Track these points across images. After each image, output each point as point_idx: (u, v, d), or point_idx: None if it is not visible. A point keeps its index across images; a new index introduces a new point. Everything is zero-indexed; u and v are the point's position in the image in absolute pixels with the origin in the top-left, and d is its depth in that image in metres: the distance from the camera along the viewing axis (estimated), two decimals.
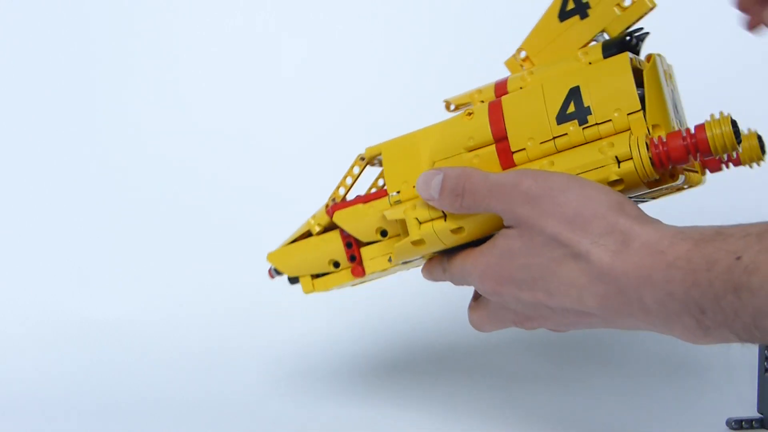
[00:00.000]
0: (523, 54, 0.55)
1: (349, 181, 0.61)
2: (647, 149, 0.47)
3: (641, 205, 0.51)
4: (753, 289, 0.38)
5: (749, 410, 0.67)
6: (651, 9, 0.51)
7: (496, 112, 0.52)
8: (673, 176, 0.49)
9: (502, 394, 0.75)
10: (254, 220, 0.90)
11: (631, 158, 0.47)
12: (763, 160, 0.53)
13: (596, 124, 0.49)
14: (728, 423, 0.64)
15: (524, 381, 0.78)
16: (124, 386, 0.78)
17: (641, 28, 0.53)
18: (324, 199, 0.62)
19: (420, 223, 0.53)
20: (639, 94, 0.49)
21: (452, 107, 0.57)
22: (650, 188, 0.50)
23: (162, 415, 0.72)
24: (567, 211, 0.45)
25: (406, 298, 0.85)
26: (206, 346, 0.83)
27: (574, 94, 0.51)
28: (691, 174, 0.52)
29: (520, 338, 0.81)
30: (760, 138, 0.53)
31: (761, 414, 0.65)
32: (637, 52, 0.52)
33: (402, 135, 0.57)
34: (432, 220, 0.52)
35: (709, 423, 0.66)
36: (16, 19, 0.95)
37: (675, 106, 0.52)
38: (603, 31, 0.53)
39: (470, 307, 0.54)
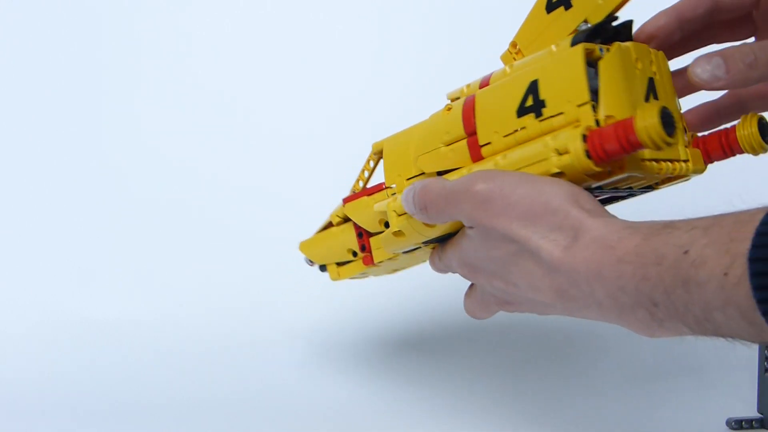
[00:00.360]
0: (517, 47, 0.56)
1: (366, 174, 0.63)
2: (584, 141, 0.46)
3: (646, 196, 0.52)
4: (701, 282, 0.38)
5: (749, 410, 0.67)
6: None
7: (469, 106, 0.54)
8: (621, 168, 0.48)
9: (500, 394, 0.75)
10: (254, 219, 0.90)
11: (569, 151, 0.47)
12: (765, 147, 0.52)
13: (550, 116, 0.49)
14: (728, 423, 0.64)
15: (525, 380, 0.78)
16: (124, 386, 0.77)
17: (616, 17, 0.52)
18: (326, 197, 0.63)
19: (398, 215, 0.55)
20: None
21: (448, 102, 0.58)
22: (601, 180, 0.49)
23: (162, 415, 0.72)
24: (518, 209, 0.46)
25: (404, 292, 0.85)
26: (206, 346, 0.82)
27: (533, 87, 0.51)
28: (680, 164, 0.51)
29: (521, 339, 0.82)
30: (762, 123, 0.52)
31: (761, 414, 0.65)
32: (622, 40, 0.52)
33: (402, 130, 0.59)
34: (406, 213, 0.55)
35: (709, 423, 0.66)
36: (16, 20, 0.95)
37: (653, 94, 0.51)
38: (585, 20, 0.52)
39: (465, 295, 0.57)
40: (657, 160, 0.50)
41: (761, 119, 0.52)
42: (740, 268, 0.36)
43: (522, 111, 0.51)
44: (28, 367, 0.81)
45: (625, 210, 0.55)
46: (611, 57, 0.49)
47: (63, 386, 0.77)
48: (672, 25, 0.53)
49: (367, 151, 0.61)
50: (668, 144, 0.44)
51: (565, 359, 0.80)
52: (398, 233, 0.56)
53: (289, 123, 0.93)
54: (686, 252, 0.39)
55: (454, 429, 0.67)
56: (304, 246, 0.67)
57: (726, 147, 0.53)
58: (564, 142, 0.47)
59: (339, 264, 0.66)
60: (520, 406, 0.71)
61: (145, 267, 0.89)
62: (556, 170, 0.48)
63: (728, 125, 0.54)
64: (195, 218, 0.91)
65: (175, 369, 0.79)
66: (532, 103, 0.51)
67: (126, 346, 0.83)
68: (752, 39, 0.56)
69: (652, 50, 0.52)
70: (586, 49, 0.49)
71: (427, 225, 0.54)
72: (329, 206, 0.62)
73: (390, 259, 0.61)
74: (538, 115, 0.50)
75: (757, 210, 0.38)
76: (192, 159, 0.93)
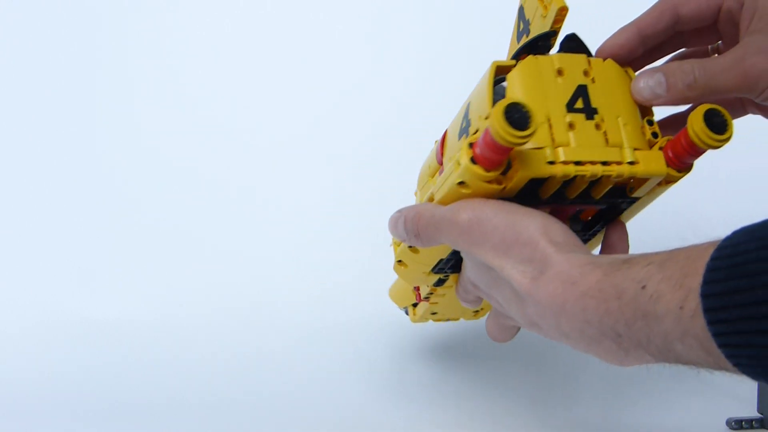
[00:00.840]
0: None
1: None
2: (470, 148, 0.48)
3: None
4: (659, 315, 0.40)
5: (749, 410, 0.67)
6: (563, 10, 0.50)
7: (442, 139, 0.57)
8: (515, 171, 0.49)
9: (501, 393, 0.75)
10: (255, 219, 0.90)
11: (460, 161, 0.49)
12: (720, 141, 0.50)
13: (473, 134, 0.52)
14: (728, 423, 0.64)
15: (525, 379, 0.78)
16: (124, 386, 0.78)
17: (554, 32, 0.52)
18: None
19: (397, 244, 0.60)
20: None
21: None
22: (508, 187, 0.50)
23: (162, 416, 0.72)
24: (493, 239, 0.48)
25: None
26: (206, 346, 0.82)
27: (467, 109, 0.54)
28: (618, 166, 0.51)
29: (520, 340, 0.82)
30: (712, 116, 0.50)
31: (761, 414, 0.65)
32: (573, 49, 0.53)
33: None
34: (397, 242, 0.59)
35: (709, 423, 0.66)
36: (15, 20, 0.95)
37: (583, 101, 0.51)
38: None
39: (486, 318, 0.59)
40: (580, 162, 0.50)
41: (708, 111, 0.50)
42: (694, 302, 0.38)
43: (461, 133, 0.54)
44: (28, 367, 0.81)
45: None
46: (517, 70, 0.51)
47: (63, 386, 0.78)
48: (633, 41, 0.53)
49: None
50: (520, 138, 0.45)
51: (565, 359, 0.81)
52: (400, 262, 0.59)
53: (289, 123, 0.93)
54: (644, 287, 0.41)
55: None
56: (390, 291, 0.71)
57: (687, 147, 0.51)
58: (459, 153, 0.49)
59: (414, 305, 0.69)
60: (520, 404, 0.72)
61: (145, 267, 0.89)
62: (459, 180, 0.50)
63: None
64: (195, 218, 0.90)
65: (175, 369, 0.79)
66: (465, 125, 0.53)
67: (126, 346, 0.83)
68: (720, 42, 0.56)
69: (593, 59, 0.53)
70: (503, 65, 0.52)
71: (411, 251, 0.57)
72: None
73: (437, 294, 0.64)
74: (466, 133, 0.53)
75: (709, 244, 0.39)
76: (192, 159, 0.92)
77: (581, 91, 0.51)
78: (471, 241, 0.50)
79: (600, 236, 0.58)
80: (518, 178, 0.49)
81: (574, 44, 0.53)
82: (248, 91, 0.94)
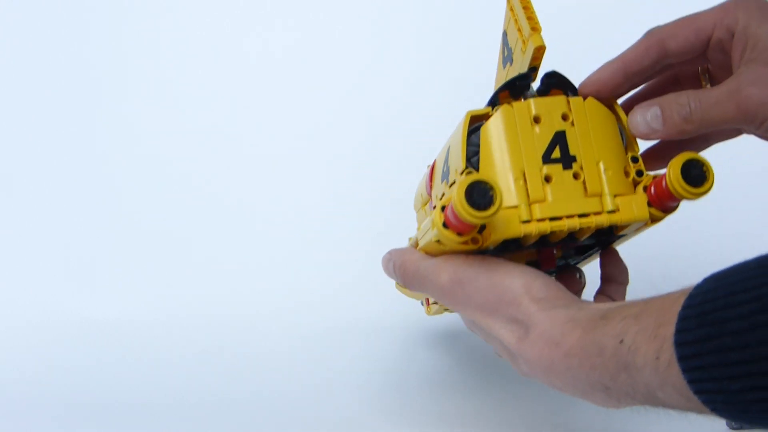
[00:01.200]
0: None
1: None
2: (442, 212, 0.48)
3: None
4: (638, 367, 0.41)
5: None
6: (540, 49, 0.49)
7: (431, 170, 0.57)
8: (489, 235, 0.49)
9: (502, 393, 0.75)
10: (255, 220, 0.90)
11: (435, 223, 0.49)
12: (697, 194, 0.48)
13: (452, 183, 0.51)
14: (728, 423, 0.64)
15: (524, 388, 0.77)
16: (124, 386, 0.77)
17: (530, 74, 0.51)
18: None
19: None
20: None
21: None
22: (485, 245, 0.49)
23: (162, 416, 0.72)
24: (477, 300, 0.50)
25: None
26: (206, 346, 0.82)
27: (447, 153, 0.53)
28: (596, 216, 0.49)
29: None
30: (691, 167, 0.48)
31: None
32: (555, 92, 0.52)
33: None
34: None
35: (709, 423, 0.66)
36: (14, 19, 0.95)
37: (561, 149, 0.50)
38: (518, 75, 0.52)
39: None
40: (556, 219, 0.49)
41: (687, 161, 0.49)
42: (668, 351, 0.39)
43: (442, 176, 0.54)
44: (27, 367, 0.81)
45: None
46: (492, 122, 0.50)
47: (63, 386, 0.78)
48: (617, 78, 0.52)
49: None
50: (483, 219, 0.45)
51: None
52: (399, 284, 0.60)
53: (291, 124, 0.93)
54: (621, 341, 0.42)
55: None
56: (398, 287, 0.70)
57: (667, 193, 0.49)
58: (433, 213, 0.49)
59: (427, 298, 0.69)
60: (520, 403, 0.72)
61: (145, 267, 0.89)
62: (435, 239, 0.50)
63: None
64: (195, 218, 0.91)
65: (175, 370, 0.79)
66: (446, 169, 0.53)
67: (126, 346, 0.83)
68: (709, 66, 0.55)
69: (574, 100, 0.50)
70: (477, 115, 0.50)
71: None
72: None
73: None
74: (446, 180, 0.52)
75: (681, 293, 0.40)
76: (192, 159, 0.93)
77: (559, 138, 0.50)
78: (455, 302, 0.51)
79: (596, 255, 0.58)
80: (493, 239, 0.49)
81: (555, 80, 0.52)
82: (250, 92, 0.94)
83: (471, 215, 0.45)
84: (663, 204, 0.50)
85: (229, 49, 0.95)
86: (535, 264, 0.56)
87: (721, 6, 0.51)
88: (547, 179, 0.49)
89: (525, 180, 0.49)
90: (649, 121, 0.50)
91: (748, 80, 0.48)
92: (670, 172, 0.48)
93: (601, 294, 0.58)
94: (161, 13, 0.96)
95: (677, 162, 0.48)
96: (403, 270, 0.55)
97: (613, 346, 0.42)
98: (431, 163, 0.59)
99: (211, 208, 0.91)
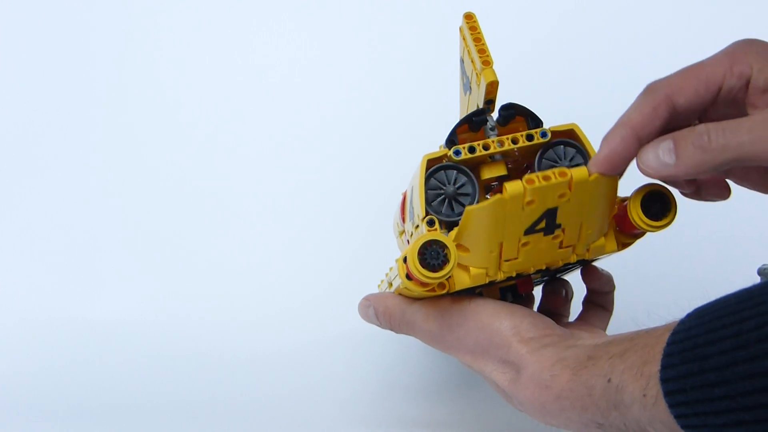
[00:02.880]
0: None
1: None
2: (404, 263, 0.47)
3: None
4: (627, 404, 0.42)
5: None
6: (493, 84, 0.48)
7: (403, 199, 0.56)
8: (453, 286, 0.49)
9: (494, 400, 0.75)
10: (255, 220, 0.89)
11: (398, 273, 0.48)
12: (656, 227, 0.47)
13: (417, 226, 0.50)
14: None
15: None
16: (124, 387, 0.78)
17: (485, 110, 0.50)
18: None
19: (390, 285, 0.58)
20: (469, 188, 0.48)
21: None
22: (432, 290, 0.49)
23: (162, 416, 0.72)
24: (467, 344, 0.50)
25: None
26: (207, 347, 0.82)
27: (411, 194, 0.52)
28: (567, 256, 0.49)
29: None
30: (652, 200, 0.47)
31: None
32: (518, 119, 0.50)
33: None
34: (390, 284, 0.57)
35: None
36: (13, 19, 0.95)
37: (547, 221, 0.46)
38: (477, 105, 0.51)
39: None
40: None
41: (648, 193, 0.47)
42: (655, 388, 0.40)
43: (408, 215, 0.53)
44: (27, 367, 0.81)
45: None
46: (480, 210, 0.45)
47: (63, 386, 0.78)
48: (631, 147, 0.46)
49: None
50: (435, 279, 0.45)
51: None
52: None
53: (291, 125, 0.92)
54: (609, 380, 0.43)
55: None
56: None
57: (629, 225, 0.48)
58: (397, 264, 0.48)
59: None
60: (514, 418, 0.72)
61: (146, 267, 0.88)
62: (404, 287, 0.49)
63: None
64: (195, 219, 0.90)
65: (175, 370, 0.79)
66: (411, 209, 0.52)
67: (126, 346, 0.83)
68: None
69: (578, 178, 0.44)
70: (433, 158, 0.49)
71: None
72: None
73: None
74: (412, 220, 0.52)
75: (665, 329, 0.41)
76: (192, 159, 0.92)
77: (548, 214, 0.46)
78: (446, 347, 0.52)
79: (578, 266, 0.57)
80: (459, 286, 0.49)
81: (512, 111, 0.49)
82: (252, 93, 0.93)
83: (424, 276, 0.45)
84: (630, 232, 0.49)
85: (221, 55, 0.94)
86: (513, 288, 0.57)
87: (725, 53, 0.47)
88: (524, 245, 0.47)
89: (501, 249, 0.47)
90: (660, 156, 0.44)
91: None
92: (631, 206, 0.47)
93: (589, 302, 0.58)
94: (153, 14, 0.95)
95: (638, 195, 0.47)
96: (389, 317, 0.54)
97: (601, 385, 0.43)
98: (404, 191, 0.57)
99: (211, 208, 0.90)
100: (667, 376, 0.39)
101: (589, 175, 0.45)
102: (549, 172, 0.44)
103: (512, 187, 0.44)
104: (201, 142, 0.92)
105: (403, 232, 0.57)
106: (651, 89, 0.47)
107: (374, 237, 0.81)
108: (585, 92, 0.87)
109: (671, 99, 0.46)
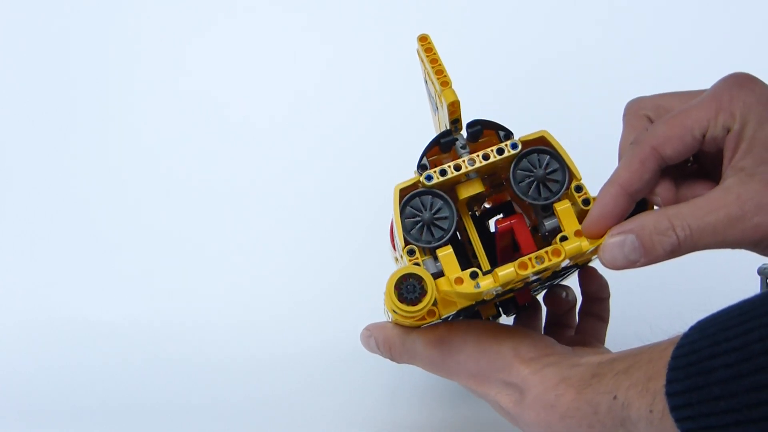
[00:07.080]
0: None
1: None
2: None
3: None
4: (634, 421, 0.42)
5: None
6: (454, 104, 0.47)
7: (391, 226, 0.54)
8: (440, 313, 0.48)
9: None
10: (255, 220, 0.89)
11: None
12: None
13: (401, 255, 0.50)
14: None
15: None
16: (124, 387, 0.78)
17: (452, 130, 0.49)
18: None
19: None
20: (446, 222, 0.47)
21: None
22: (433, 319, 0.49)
23: (162, 417, 0.72)
24: (469, 368, 0.50)
25: None
26: (207, 347, 0.82)
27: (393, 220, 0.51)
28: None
29: None
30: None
31: None
32: (487, 133, 0.49)
33: None
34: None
35: None
36: (12, 19, 0.95)
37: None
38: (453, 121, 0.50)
39: None
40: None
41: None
42: (661, 404, 0.40)
43: (396, 242, 0.52)
44: (27, 367, 0.81)
45: None
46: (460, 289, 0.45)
47: (62, 387, 0.78)
48: (622, 205, 0.46)
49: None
50: (412, 314, 0.45)
51: None
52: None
53: (294, 129, 0.93)
54: (615, 397, 0.43)
55: None
56: None
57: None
58: (384, 296, 0.47)
59: None
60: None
61: (146, 267, 0.89)
62: (394, 319, 0.49)
63: None
64: (195, 219, 0.90)
65: (175, 370, 0.80)
66: (396, 236, 0.51)
67: (126, 347, 0.83)
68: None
69: (569, 243, 0.46)
70: (405, 187, 0.48)
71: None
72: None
73: None
74: (399, 252, 0.51)
75: (669, 343, 0.41)
76: (192, 159, 0.92)
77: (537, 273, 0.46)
78: (448, 372, 0.51)
79: (575, 270, 0.57)
80: (447, 312, 0.48)
81: (479, 127, 0.49)
82: (253, 93, 0.94)
83: (402, 311, 0.45)
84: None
85: (233, 59, 0.95)
86: (512, 300, 0.56)
87: (712, 96, 0.45)
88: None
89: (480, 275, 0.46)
90: (627, 255, 0.44)
91: (753, 205, 0.42)
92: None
93: (585, 313, 0.58)
94: (152, 13, 0.95)
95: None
96: (389, 347, 0.54)
97: (607, 403, 0.43)
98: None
99: (212, 208, 0.90)
100: (673, 391, 0.39)
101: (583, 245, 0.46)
102: (542, 253, 0.45)
103: (505, 274, 0.44)
104: (204, 146, 0.92)
105: (397, 259, 0.57)
106: (636, 141, 0.46)
107: (375, 238, 0.80)
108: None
109: (658, 151, 0.46)
